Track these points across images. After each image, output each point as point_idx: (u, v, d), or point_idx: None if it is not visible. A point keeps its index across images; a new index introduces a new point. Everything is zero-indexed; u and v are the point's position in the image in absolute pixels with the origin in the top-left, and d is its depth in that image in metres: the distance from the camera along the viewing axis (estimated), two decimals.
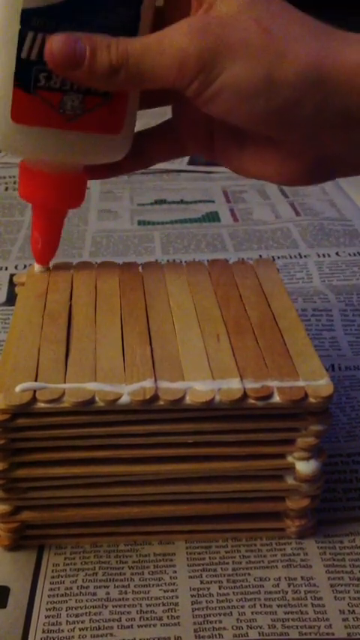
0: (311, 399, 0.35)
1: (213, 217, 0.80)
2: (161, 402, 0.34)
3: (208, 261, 0.46)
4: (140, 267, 0.45)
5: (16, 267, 0.69)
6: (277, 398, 0.35)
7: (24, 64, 0.35)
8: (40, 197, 0.41)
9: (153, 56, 0.33)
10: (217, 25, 0.33)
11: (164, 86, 0.34)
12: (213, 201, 0.84)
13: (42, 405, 0.34)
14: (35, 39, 0.34)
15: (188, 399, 0.34)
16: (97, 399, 0.34)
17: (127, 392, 0.34)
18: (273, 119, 0.34)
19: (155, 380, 0.35)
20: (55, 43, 0.33)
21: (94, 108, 0.37)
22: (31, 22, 0.34)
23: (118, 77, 0.34)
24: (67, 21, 0.34)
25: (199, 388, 0.35)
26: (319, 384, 0.35)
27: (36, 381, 0.35)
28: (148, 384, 0.35)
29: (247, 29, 0.32)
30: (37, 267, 0.44)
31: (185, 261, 0.46)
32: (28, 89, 0.36)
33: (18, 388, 0.34)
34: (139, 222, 0.79)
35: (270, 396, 0.35)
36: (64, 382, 0.35)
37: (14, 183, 0.89)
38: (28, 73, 0.35)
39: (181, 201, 0.83)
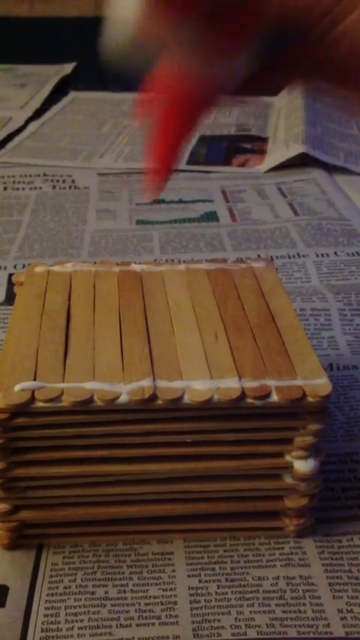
0: (309, 398, 0.35)
1: (211, 217, 0.80)
2: (160, 402, 0.34)
3: (206, 260, 0.46)
4: (139, 267, 0.45)
5: (15, 267, 0.69)
6: (275, 397, 0.35)
7: None
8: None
9: None
10: None
11: None
12: (211, 201, 0.84)
13: (40, 404, 0.34)
14: None
15: (187, 398, 0.34)
16: (95, 398, 0.34)
17: (125, 391, 0.34)
18: None
19: (154, 379, 0.35)
20: None
21: None
22: None
23: None
24: None
25: (197, 387, 0.35)
26: (317, 383, 0.35)
27: (34, 380, 0.35)
28: (146, 383, 0.35)
29: None
30: None
31: (184, 261, 0.46)
32: None
33: (17, 387, 0.34)
34: (138, 222, 0.79)
35: (268, 395, 0.35)
36: (63, 381, 0.35)
37: (13, 182, 0.89)
38: None
39: (180, 201, 0.83)
